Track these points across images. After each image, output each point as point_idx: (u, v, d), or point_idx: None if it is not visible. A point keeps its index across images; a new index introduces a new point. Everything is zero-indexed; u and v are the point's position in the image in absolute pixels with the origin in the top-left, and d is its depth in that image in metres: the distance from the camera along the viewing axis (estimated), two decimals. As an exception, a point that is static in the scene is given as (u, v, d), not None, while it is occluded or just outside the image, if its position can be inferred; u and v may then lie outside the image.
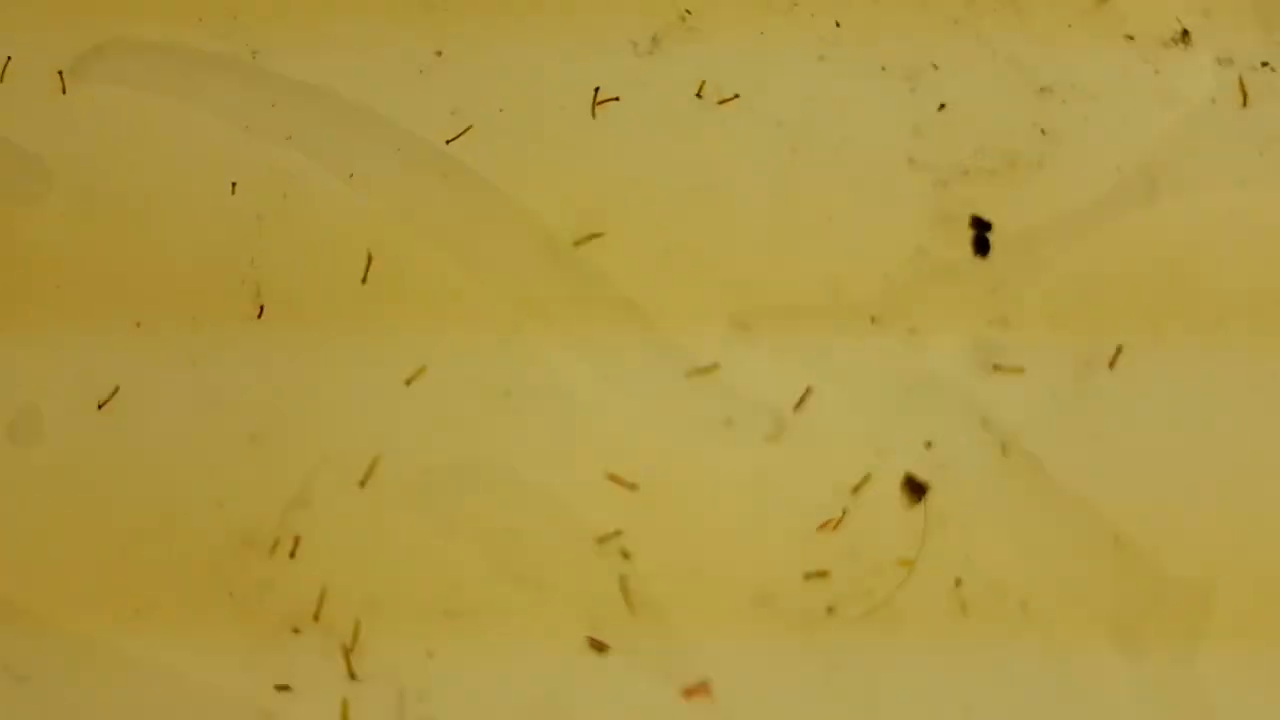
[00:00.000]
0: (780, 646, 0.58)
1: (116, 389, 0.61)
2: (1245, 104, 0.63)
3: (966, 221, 0.63)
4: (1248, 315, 0.61)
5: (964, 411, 0.60)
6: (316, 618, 0.58)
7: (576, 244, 0.63)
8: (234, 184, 0.64)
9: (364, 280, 0.63)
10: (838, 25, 0.65)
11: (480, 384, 0.61)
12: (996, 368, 0.61)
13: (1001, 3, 0.65)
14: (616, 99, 0.65)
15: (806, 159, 0.64)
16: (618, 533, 0.59)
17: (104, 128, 0.65)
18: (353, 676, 0.57)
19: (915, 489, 0.59)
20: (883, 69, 0.64)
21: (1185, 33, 0.64)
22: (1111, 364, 0.60)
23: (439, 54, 0.66)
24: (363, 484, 0.59)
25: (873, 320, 0.62)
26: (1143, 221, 0.63)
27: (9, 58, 0.65)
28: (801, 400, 0.61)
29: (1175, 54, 0.64)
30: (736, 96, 0.65)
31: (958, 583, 0.58)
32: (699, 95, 0.65)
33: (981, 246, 0.62)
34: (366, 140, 0.65)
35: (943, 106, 0.64)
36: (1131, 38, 0.64)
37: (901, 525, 0.59)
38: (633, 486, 0.59)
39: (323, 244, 0.64)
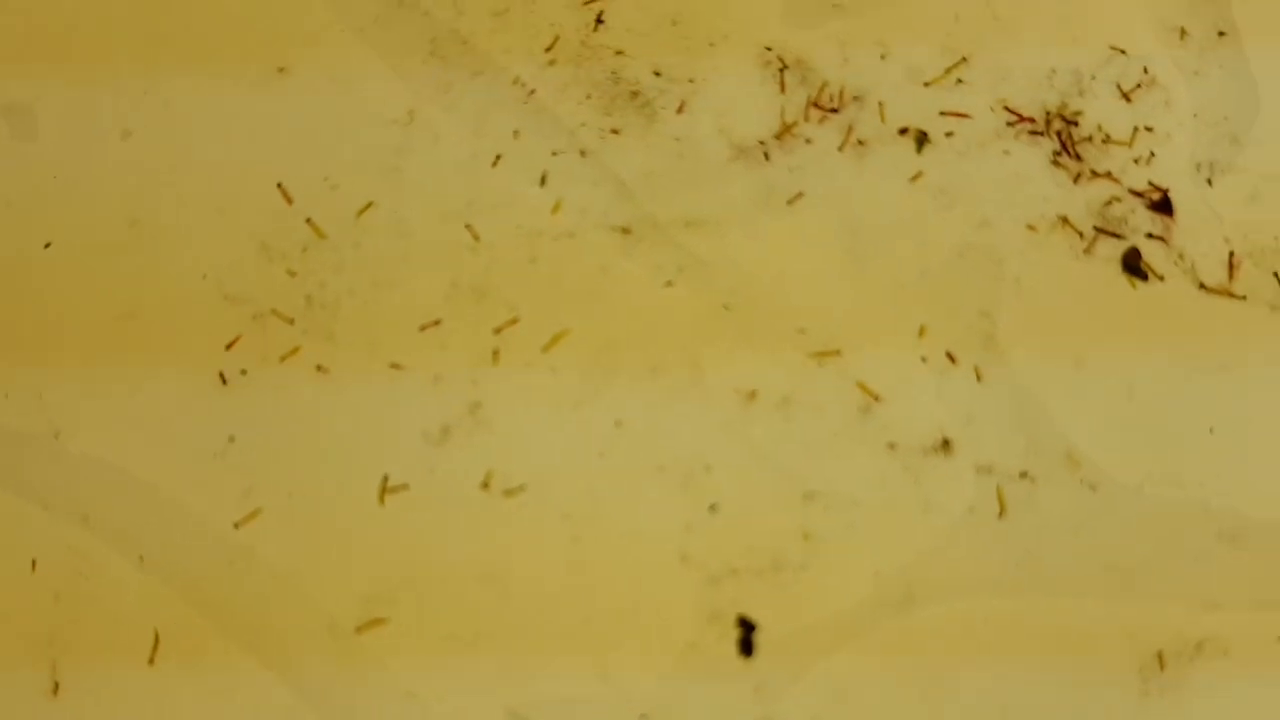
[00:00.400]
0: None
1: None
2: (1002, 514, 0.66)
3: (734, 621, 0.65)
4: (1000, 722, 0.63)
5: (725, 813, 0.62)
6: None
7: (359, 630, 0.65)
8: (34, 561, 0.65)
9: (151, 661, 0.64)
10: (618, 425, 0.68)
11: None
12: (757, 770, 0.62)
13: (772, 410, 0.68)
14: (405, 487, 0.67)
15: (587, 551, 0.66)
16: None
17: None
18: None
19: None
20: (661, 469, 0.67)
21: (946, 442, 0.67)
22: (867, 771, 0.62)
23: (232, 439, 0.68)
24: None
25: (643, 718, 0.63)
26: (900, 629, 0.65)
27: None
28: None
29: (935, 463, 0.67)
30: (522, 488, 0.67)
31: None
32: (485, 486, 0.67)
33: (747, 647, 0.64)
34: (158, 522, 0.67)
35: (714, 507, 0.66)
36: (894, 446, 0.67)
37: None
38: None
39: (114, 624, 0.65)
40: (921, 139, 0.72)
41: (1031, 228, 0.70)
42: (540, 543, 0.66)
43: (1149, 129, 0.72)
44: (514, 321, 0.70)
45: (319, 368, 0.68)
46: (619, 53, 0.74)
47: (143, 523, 0.66)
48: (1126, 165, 0.71)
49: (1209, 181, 0.71)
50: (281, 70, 0.74)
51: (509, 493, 0.67)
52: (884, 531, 0.66)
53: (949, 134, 0.72)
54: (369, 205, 0.72)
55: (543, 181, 0.72)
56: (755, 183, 0.72)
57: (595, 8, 0.75)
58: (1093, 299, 0.69)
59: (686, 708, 0.64)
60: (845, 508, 0.66)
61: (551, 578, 0.66)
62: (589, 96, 0.74)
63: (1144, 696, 0.64)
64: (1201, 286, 0.69)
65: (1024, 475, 0.67)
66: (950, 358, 0.68)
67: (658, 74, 0.74)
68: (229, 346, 0.69)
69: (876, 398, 0.68)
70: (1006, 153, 0.72)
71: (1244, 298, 0.69)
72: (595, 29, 0.75)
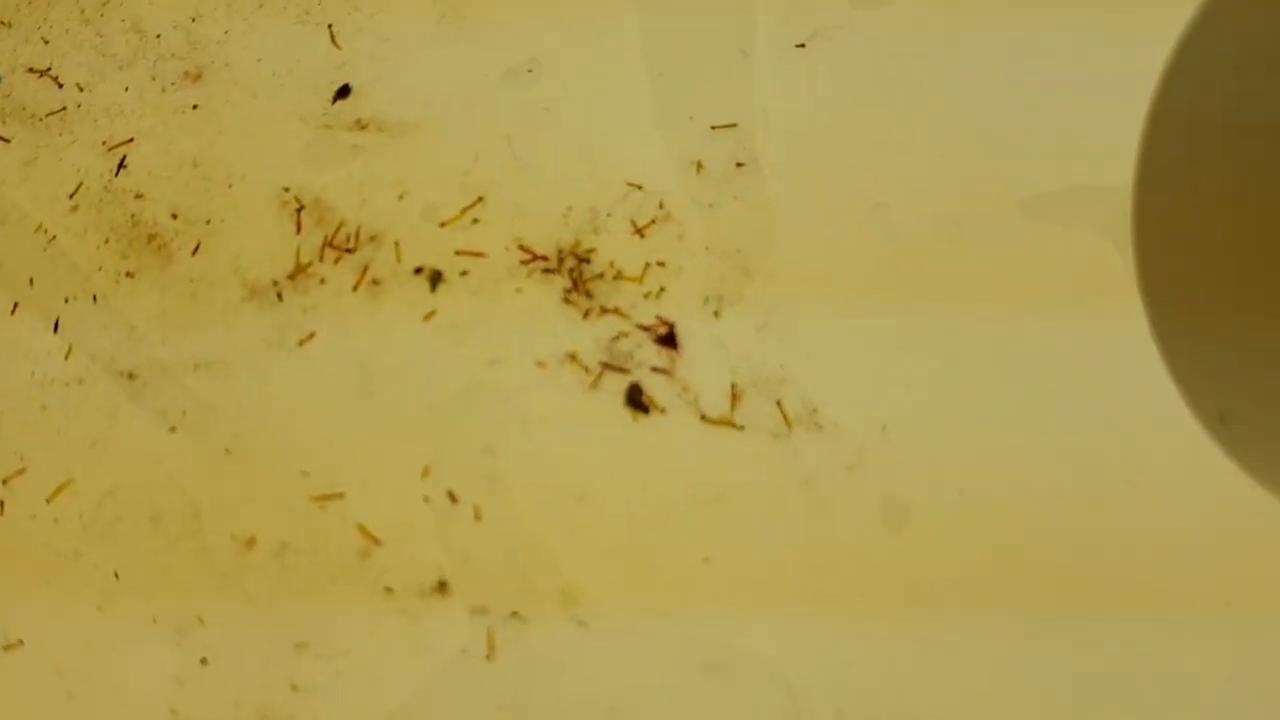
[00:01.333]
0: None
1: None
2: (491, 655, 0.67)
3: (218, 777, 0.65)
4: None
5: None
6: None
7: None
8: None
9: None
10: (117, 576, 0.68)
11: None
12: None
13: (269, 557, 0.68)
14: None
15: (80, 708, 0.66)
16: None
17: None
18: None
19: None
20: (155, 620, 0.67)
21: (443, 583, 0.68)
22: None
23: None
24: None
25: None
26: (382, 776, 0.66)
27: None
28: None
29: (432, 604, 0.68)
30: (20, 643, 0.67)
31: None
32: (-14, 646, 0.67)
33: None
34: None
35: (205, 661, 0.66)
36: (391, 590, 0.68)
37: None
38: None
39: None
40: (436, 278, 0.73)
41: (541, 364, 0.71)
42: (35, 700, 0.66)
43: (661, 264, 0.74)
44: (21, 472, 0.70)
45: None
46: (139, 196, 0.75)
47: None
48: (636, 300, 0.73)
49: (716, 314, 0.73)
50: None
51: (8, 648, 0.67)
52: (373, 678, 0.67)
53: (464, 273, 0.73)
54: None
55: (55, 328, 0.72)
56: (267, 323, 0.72)
57: (119, 152, 0.76)
58: (597, 434, 0.71)
59: None
60: (335, 656, 0.67)
61: (44, 735, 0.66)
62: (107, 241, 0.74)
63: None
64: (703, 418, 0.71)
65: (515, 615, 0.68)
66: (452, 497, 0.69)
67: (175, 216, 0.74)
68: None
69: (377, 541, 0.69)
70: (519, 290, 0.73)
71: (743, 428, 0.71)
72: (118, 174, 0.75)
